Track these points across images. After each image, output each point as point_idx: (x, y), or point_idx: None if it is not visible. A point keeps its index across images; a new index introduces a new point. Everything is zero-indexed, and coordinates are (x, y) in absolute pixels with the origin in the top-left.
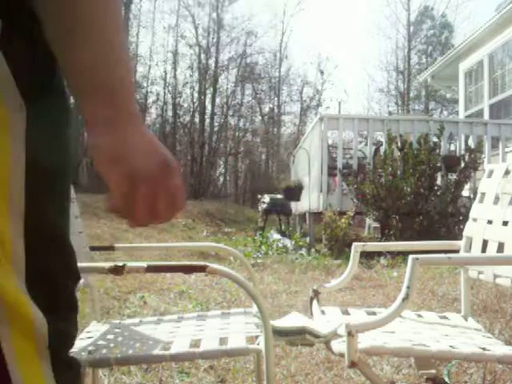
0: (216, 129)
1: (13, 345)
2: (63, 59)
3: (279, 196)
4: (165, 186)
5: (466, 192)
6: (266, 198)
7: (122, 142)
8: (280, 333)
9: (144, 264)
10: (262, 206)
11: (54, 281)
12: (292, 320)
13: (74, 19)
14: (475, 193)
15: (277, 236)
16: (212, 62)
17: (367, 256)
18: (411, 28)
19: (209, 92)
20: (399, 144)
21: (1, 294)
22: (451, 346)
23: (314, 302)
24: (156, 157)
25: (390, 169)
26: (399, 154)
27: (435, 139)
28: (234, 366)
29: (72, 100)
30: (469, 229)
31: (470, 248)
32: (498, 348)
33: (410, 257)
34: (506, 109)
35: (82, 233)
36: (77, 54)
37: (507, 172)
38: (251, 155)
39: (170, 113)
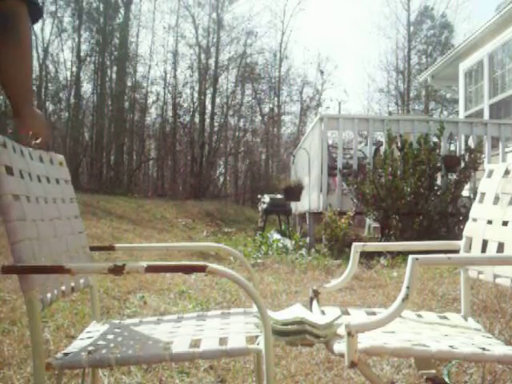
0: (216, 129)
1: None
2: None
3: (279, 196)
4: (38, 132)
5: (466, 192)
6: (266, 198)
7: (24, 119)
8: (280, 333)
9: (144, 264)
10: (262, 206)
11: None
12: (292, 311)
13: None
14: (475, 193)
15: (277, 236)
16: (212, 61)
17: (367, 256)
18: (411, 28)
19: (209, 92)
20: (399, 144)
21: None
22: (451, 346)
23: (314, 302)
24: (37, 124)
25: (390, 169)
26: (399, 154)
27: (435, 139)
28: (233, 366)
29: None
30: (469, 229)
31: (470, 248)
32: (498, 348)
33: (410, 257)
34: (506, 109)
35: (81, 233)
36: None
37: (507, 172)
38: (251, 155)
39: (170, 113)
